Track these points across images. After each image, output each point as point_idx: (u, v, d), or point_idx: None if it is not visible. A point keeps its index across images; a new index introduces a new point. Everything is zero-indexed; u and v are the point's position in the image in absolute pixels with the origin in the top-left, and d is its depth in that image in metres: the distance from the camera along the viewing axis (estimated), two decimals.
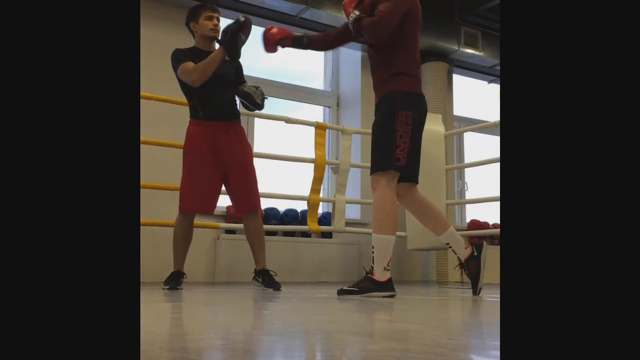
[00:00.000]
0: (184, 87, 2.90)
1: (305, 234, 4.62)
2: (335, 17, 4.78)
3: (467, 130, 5.08)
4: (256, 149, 4.88)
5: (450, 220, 5.19)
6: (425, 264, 5.39)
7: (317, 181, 4.16)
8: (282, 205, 4.69)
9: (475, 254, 2.61)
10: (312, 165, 4.16)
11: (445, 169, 4.61)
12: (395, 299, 2.42)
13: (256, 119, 4.90)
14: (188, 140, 2.89)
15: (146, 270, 3.56)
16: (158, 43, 4.25)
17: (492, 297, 2.70)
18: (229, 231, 4.40)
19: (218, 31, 2.93)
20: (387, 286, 2.38)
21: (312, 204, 4.13)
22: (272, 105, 5.16)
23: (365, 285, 2.38)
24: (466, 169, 5.88)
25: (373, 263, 2.40)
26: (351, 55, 5.52)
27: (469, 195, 5.89)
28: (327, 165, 4.22)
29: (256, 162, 4.89)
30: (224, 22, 4.72)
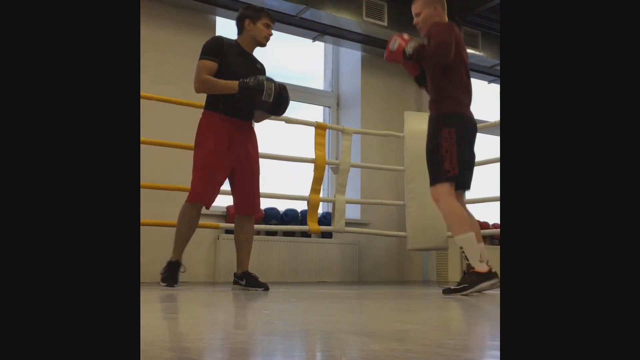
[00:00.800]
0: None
1: (305, 234, 4.62)
2: (335, 17, 4.78)
3: None
4: None
5: None
6: (425, 264, 5.39)
7: (317, 181, 4.16)
8: (282, 205, 4.69)
9: (482, 276, 2.70)
10: (312, 165, 4.16)
11: None
12: (396, 299, 2.43)
13: None
14: (207, 132, 2.85)
15: (146, 270, 3.55)
16: (158, 43, 4.25)
17: (492, 297, 2.70)
18: (229, 231, 4.39)
19: (268, 40, 3.00)
20: (490, 275, 2.61)
21: (312, 204, 4.13)
22: None
23: (473, 280, 2.60)
24: None
25: (468, 260, 2.71)
26: (351, 55, 5.52)
27: (469, 195, 5.87)
28: (327, 165, 4.22)
29: None
30: (223, 22, 4.74)
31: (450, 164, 2.67)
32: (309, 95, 5.42)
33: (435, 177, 2.72)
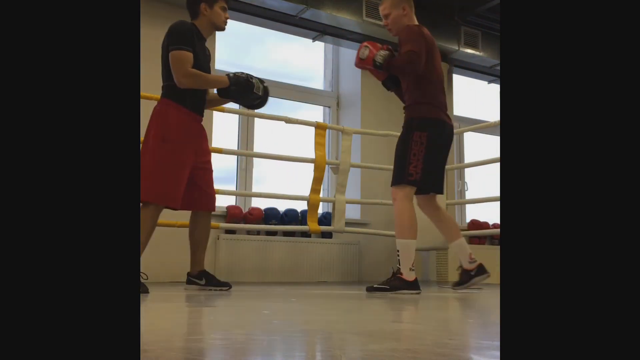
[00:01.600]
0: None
1: (305, 234, 4.62)
2: (335, 17, 4.77)
3: (467, 130, 5.08)
4: (256, 148, 4.89)
5: None
6: (425, 264, 5.39)
7: (317, 181, 4.16)
8: (282, 205, 4.69)
9: (473, 274, 3.01)
10: (312, 165, 4.16)
11: (446, 169, 4.61)
12: (396, 299, 2.43)
13: (256, 119, 4.89)
14: (175, 127, 2.61)
15: (146, 270, 3.55)
16: (158, 43, 4.25)
17: (492, 297, 2.70)
18: (229, 231, 4.40)
19: (226, 24, 2.85)
20: (414, 285, 2.73)
21: (312, 204, 4.13)
22: (272, 105, 5.16)
23: (396, 284, 2.71)
24: (466, 169, 5.88)
25: (399, 265, 2.74)
26: (351, 55, 5.51)
27: (469, 195, 5.88)
28: (327, 165, 4.22)
29: (256, 162, 4.95)
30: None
31: (414, 168, 2.74)
32: (309, 95, 5.42)
33: (398, 178, 2.78)
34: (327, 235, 4.82)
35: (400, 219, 2.76)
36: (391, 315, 1.74)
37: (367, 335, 1.17)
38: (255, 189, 4.89)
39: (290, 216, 4.60)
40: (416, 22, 2.91)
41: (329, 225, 4.34)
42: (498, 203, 3.90)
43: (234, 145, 4.87)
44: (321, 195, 4.25)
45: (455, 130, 5.33)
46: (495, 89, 6.37)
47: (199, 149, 2.77)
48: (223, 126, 4.77)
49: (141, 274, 2.64)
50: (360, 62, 2.81)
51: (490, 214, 5.89)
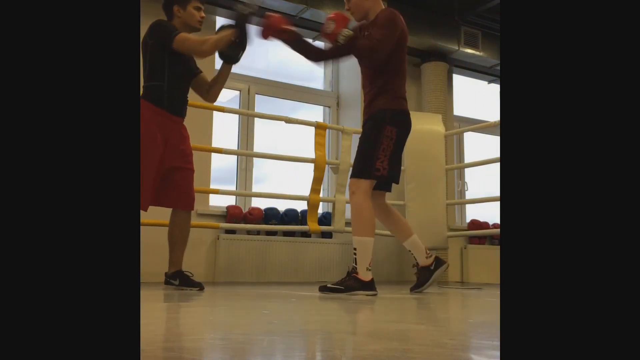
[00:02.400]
0: (160, 65, 2.68)
1: (305, 234, 4.62)
2: None
3: (467, 130, 5.08)
4: (256, 148, 4.89)
5: (450, 220, 5.19)
6: None
7: (317, 181, 4.16)
8: (282, 205, 4.69)
9: (432, 268, 2.90)
10: (312, 165, 4.16)
11: (445, 169, 4.61)
12: (396, 299, 2.43)
13: (256, 119, 4.90)
14: (144, 129, 2.58)
15: (146, 270, 3.56)
16: None
17: (492, 297, 2.70)
18: (229, 231, 4.40)
19: (202, 24, 2.84)
20: (370, 286, 2.56)
21: (312, 204, 4.13)
22: (272, 105, 5.16)
23: (351, 284, 2.54)
24: (466, 169, 5.88)
25: (355, 264, 2.58)
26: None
27: (469, 195, 5.88)
28: (327, 165, 4.22)
29: (256, 162, 4.95)
30: (223, 22, 4.73)
31: (382, 163, 2.61)
32: (309, 95, 5.42)
33: (362, 171, 2.62)
34: (327, 235, 4.82)
35: (360, 215, 2.61)
36: (391, 315, 1.74)
37: (367, 335, 1.17)
38: (255, 189, 4.89)
39: (290, 216, 4.60)
40: (382, 6, 2.73)
41: (329, 225, 4.34)
42: (498, 203, 3.90)
43: (234, 145, 4.87)
44: (321, 195, 4.25)
45: (455, 130, 5.37)
46: (495, 89, 6.37)
47: (176, 150, 2.77)
48: (223, 126, 4.77)
49: (188, 272, 2.82)
50: (325, 36, 2.64)
51: (490, 214, 5.89)
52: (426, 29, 5.31)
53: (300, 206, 4.69)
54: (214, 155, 4.50)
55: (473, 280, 5.37)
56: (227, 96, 5.04)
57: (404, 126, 2.70)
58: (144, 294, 2.38)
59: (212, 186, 4.47)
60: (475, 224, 5.64)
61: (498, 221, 5.50)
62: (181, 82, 2.81)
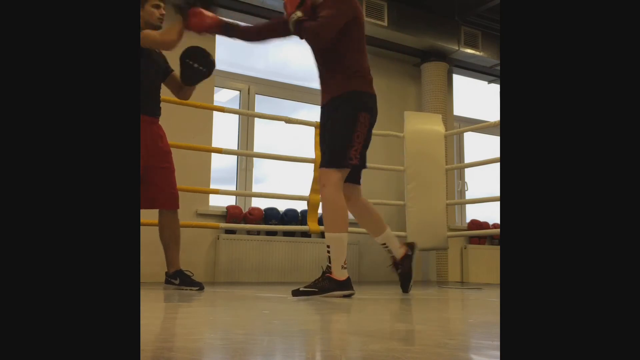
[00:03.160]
0: None
1: (305, 234, 4.62)
2: None
3: (467, 130, 5.08)
4: (256, 148, 4.89)
5: (450, 220, 5.20)
6: (425, 264, 5.39)
7: (317, 181, 4.15)
8: (282, 205, 4.69)
9: (410, 253, 2.72)
10: (312, 165, 4.16)
11: (445, 169, 4.61)
12: (396, 299, 2.43)
13: (256, 119, 4.90)
14: None
15: (146, 270, 3.56)
16: None
17: (492, 297, 2.70)
18: (229, 231, 4.40)
19: (163, 21, 2.84)
20: (346, 285, 2.38)
21: (312, 204, 4.13)
22: (272, 105, 5.17)
23: (325, 285, 2.36)
24: (466, 169, 5.88)
25: (329, 263, 2.39)
26: None
27: (469, 195, 5.89)
28: None
29: (256, 162, 4.95)
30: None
31: (355, 152, 2.41)
32: (309, 95, 5.41)
33: (334, 160, 2.42)
34: None
35: (333, 210, 2.40)
36: (391, 315, 1.74)
37: (367, 335, 1.17)
38: (255, 189, 4.89)
39: (290, 216, 4.60)
40: None
41: None
42: (498, 203, 3.90)
43: (234, 145, 4.88)
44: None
45: (455, 130, 5.37)
46: (495, 89, 6.37)
47: (152, 150, 2.77)
48: (223, 126, 4.77)
49: (188, 271, 2.83)
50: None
51: (490, 214, 5.90)
52: (426, 29, 5.31)
53: (300, 206, 4.69)
54: (214, 155, 4.50)
55: (473, 280, 5.37)
56: (227, 96, 5.05)
57: (374, 111, 2.52)
58: (144, 294, 2.38)
59: (212, 186, 4.47)
60: (475, 224, 5.64)
61: (498, 221, 5.49)
62: (150, 82, 2.80)
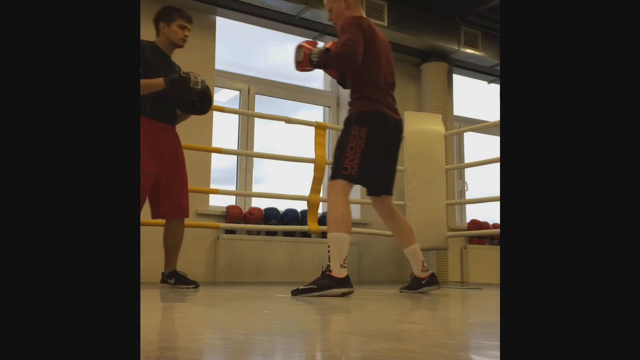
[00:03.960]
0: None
1: (305, 234, 4.62)
2: None
3: (467, 130, 5.08)
4: (256, 148, 4.89)
5: (450, 220, 5.20)
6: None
7: (317, 181, 4.16)
8: (282, 205, 4.69)
9: (423, 282, 2.88)
10: (312, 165, 4.16)
11: (445, 169, 4.61)
12: (396, 299, 2.43)
13: (256, 119, 4.90)
14: None
15: (146, 271, 3.56)
16: None
17: (492, 297, 2.70)
18: (229, 231, 4.40)
19: (185, 42, 2.92)
20: (345, 283, 2.43)
21: (312, 204, 4.13)
22: (272, 105, 5.17)
23: (324, 283, 2.42)
24: (466, 169, 5.88)
25: (329, 261, 2.47)
26: None
27: (469, 195, 5.89)
28: (327, 165, 4.22)
29: (256, 162, 4.95)
30: (223, 22, 4.74)
31: (350, 162, 2.54)
32: (309, 95, 5.42)
33: (334, 172, 2.60)
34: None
35: (334, 211, 2.54)
36: (391, 315, 1.74)
37: (367, 335, 1.17)
38: (255, 189, 4.89)
39: (290, 216, 4.60)
40: (360, 14, 2.71)
41: None
42: (498, 203, 3.90)
43: (234, 145, 4.88)
44: (321, 195, 4.25)
45: (455, 130, 5.37)
46: (495, 89, 6.37)
47: (165, 157, 2.83)
48: (223, 126, 4.77)
49: (182, 272, 2.96)
50: (299, 66, 2.64)
51: (490, 214, 5.90)
52: (426, 29, 5.31)
53: (300, 206, 4.69)
54: (214, 155, 4.50)
55: (473, 280, 5.37)
56: (227, 96, 5.05)
57: (375, 125, 2.59)
58: (144, 294, 2.38)
59: (212, 186, 4.47)
60: (475, 224, 5.64)
61: (498, 221, 5.50)
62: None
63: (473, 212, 6.01)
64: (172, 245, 2.98)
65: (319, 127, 4.22)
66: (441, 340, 1.09)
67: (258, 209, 4.52)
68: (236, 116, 4.88)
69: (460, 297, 2.81)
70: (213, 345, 1.01)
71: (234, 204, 4.72)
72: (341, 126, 4.56)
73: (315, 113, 5.48)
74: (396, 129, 2.68)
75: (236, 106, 4.96)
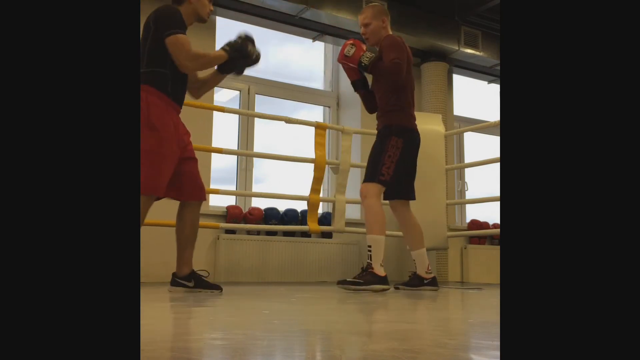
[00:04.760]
0: (162, 50, 2.45)
1: (305, 234, 4.62)
2: (335, 17, 4.78)
3: (467, 130, 5.08)
4: (256, 148, 4.89)
5: (450, 220, 5.20)
6: None
7: (317, 181, 4.15)
8: (282, 205, 4.69)
9: (425, 282, 3.09)
10: (312, 165, 4.16)
11: (445, 169, 4.61)
12: (396, 299, 2.43)
13: (256, 119, 4.90)
14: (160, 115, 2.42)
15: (147, 270, 3.56)
16: None
17: (492, 297, 2.70)
18: (229, 231, 4.40)
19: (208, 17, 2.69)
20: (385, 280, 2.81)
21: (312, 204, 4.13)
22: (272, 105, 5.17)
23: (369, 279, 2.77)
24: (466, 169, 5.88)
25: (370, 260, 2.83)
26: None
27: (469, 195, 5.89)
28: (327, 166, 4.22)
29: (256, 162, 4.95)
30: (223, 22, 4.73)
31: (387, 169, 2.88)
32: (309, 95, 5.42)
33: (371, 176, 2.92)
34: (327, 235, 4.82)
35: (373, 215, 2.86)
36: (391, 315, 1.74)
37: (367, 335, 1.17)
38: (255, 189, 4.89)
39: (290, 216, 4.60)
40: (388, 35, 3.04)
41: (329, 225, 4.34)
42: (498, 203, 3.91)
43: (234, 145, 4.88)
44: (321, 195, 4.24)
45: (455, 130, 5.37)
46: (495, 89, 6.37)
47: (181, 141, 2.56)
48: (223, 126, 4.77)
49: (203, 271, 2.68)
50: (345, 59, 2.93)
51: (490, 214, 5.89)
52: (426, 29, 5.31)
53: (300, 206, 4.69)
54: (214, 155, 4.50)
55: (473, 280, 5.37)
56: (227, 96, 5.05)
57: (411, 140, 2.97)
58: (145, 294, 2.38)
59: (212, 186, 4.47)
60: (475, 224, 5.64)
61: (498, 221, 5.50)
62: (181, 71, 2.57)
63: (473, 212, 6.01)
64: (189, 239, 2.60)
65: (319, 127, 4.22)
66: (441, 340, 1.09)
67: (258, 209, 4.52)
68: (236, 116, 4.88)
69: (460, 297, 2.81)
70: (213, 345, 1.01)
71: (234, 204, 4.72)
72: (341, 126, 4.58)
73: (315, 113, 5.48)
74: (419, 143, 3.05)
75: (236, 106, 4.96)
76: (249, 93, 4.99)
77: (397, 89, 2.94)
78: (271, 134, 5.09)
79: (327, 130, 4.42)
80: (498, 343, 0.93)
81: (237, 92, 5.00)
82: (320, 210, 4.33)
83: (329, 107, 5.51)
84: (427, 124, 4.62)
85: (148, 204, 2.45)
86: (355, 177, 5.02)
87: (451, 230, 5.05)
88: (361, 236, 4.88)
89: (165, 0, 3.40)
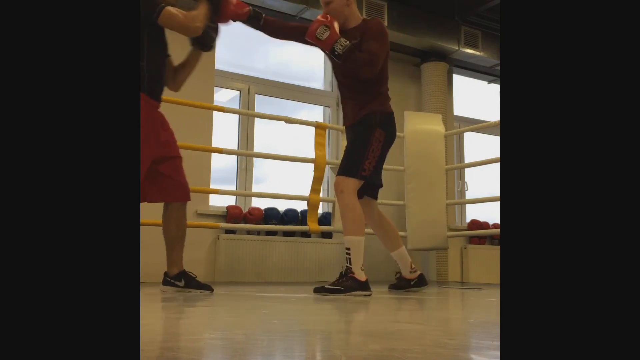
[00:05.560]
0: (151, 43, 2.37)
1: (305, 234, 4.62)
2: None
3: (467, 130, 5.08)
4: (256, 148, 4.89)
5: (450, 220, 5.20)
6: (425, 264, 5.39)
7: (317, 181, 4.15)
8: (282, 205, 4.69)
9: (412, 283, 2.98)
10: (312, 165, 4.16)
11: (445, 169, 4.61)
12: (396, 299, 2.43)
13: (256, 119, 4.90)
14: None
15: (146, 270, 3.56)
16: None
17: (492, 298, 2.70)
18: (229, 231, 4.40)
19: None
20: (366, 285, 2.55)
21: (312, 204, 4.13)
22: (272, 105, 5.17)
23: (350, 285, 2.52)
24: (466, 169, 5.88)
25: (349, 264, 2.56)
26: None
27: (469, 195, 5.89)
28: (327, 165, 4.22)
29: (256, 162, 4.95)
30: None
31: (369, 164, 2.61)
32: (309, 95, 5.41)
33: (349, 170, 2.61)
34: (327, 235, 4.82)
35: (351, 214, 2.56)
36: (391, 315, 1.74)
37: (367, 335, 1.17)
38: (255, 189, 4.89)
39: (290, 216, 4.60)
40: (360, 16, 2.74)
41: (329, 225, 4.34)
42: (498, 203, 3.90)
43: (234, 145, 4.88)
44: (321, 195, 4.24)
45: (455, 130, 5.37)
46: (495, 89, 6.37)
47: (159, 138, 2.45)
48: (223, 126, 4.77)
49: (191, 273, 2.56)
50: (316, 41, 2.57)
51: (490, 214, 5.89)
52: (426, 29, 5.31)
53: (300, 206, 4.69)
54: (214, 155, 4.50)
55: (473, 280, 5.37)
56: (227, 96, 5.05)
57: (390, 131, 2.71)
58: (145, 294, 2.38)
59: (212, 186, 4.47)
60: (475, 224, 5.64)
61: (498, 221, 5.50)
62: (159, 63, 2.48)
63: (473, 212, 6.01)
64: (176, 239, 2.53)
65: (319, 127, 4.22)
66: (441, 340, 1.09)
67: (258, 209, 4.52)
68: (236, 116, 4.88)
69: (460, 297, 2.81)
70: (213, 345, 1.01)
71: (234, 204, 4.72)
72: (341, 126, 4.55)
73: (315, 113, 5.48)
74: (396, 131, 2.78)
75: (236, 106, 4.96)
76: (249, 93, 4.99)
77: (380, 75, 2.66)
78: (271, 134, 5.08)
79: (327, 130, 4.42)
80: (498, 343, 0.93)
81: (237, 92, 5.00)
82: (320, 210, 4.32)
83: (329, 107, 5.50)
84: (427, 124, 4.63)
85: None
86: None
87: (451, 230, 5.05)
88: None
89: None
